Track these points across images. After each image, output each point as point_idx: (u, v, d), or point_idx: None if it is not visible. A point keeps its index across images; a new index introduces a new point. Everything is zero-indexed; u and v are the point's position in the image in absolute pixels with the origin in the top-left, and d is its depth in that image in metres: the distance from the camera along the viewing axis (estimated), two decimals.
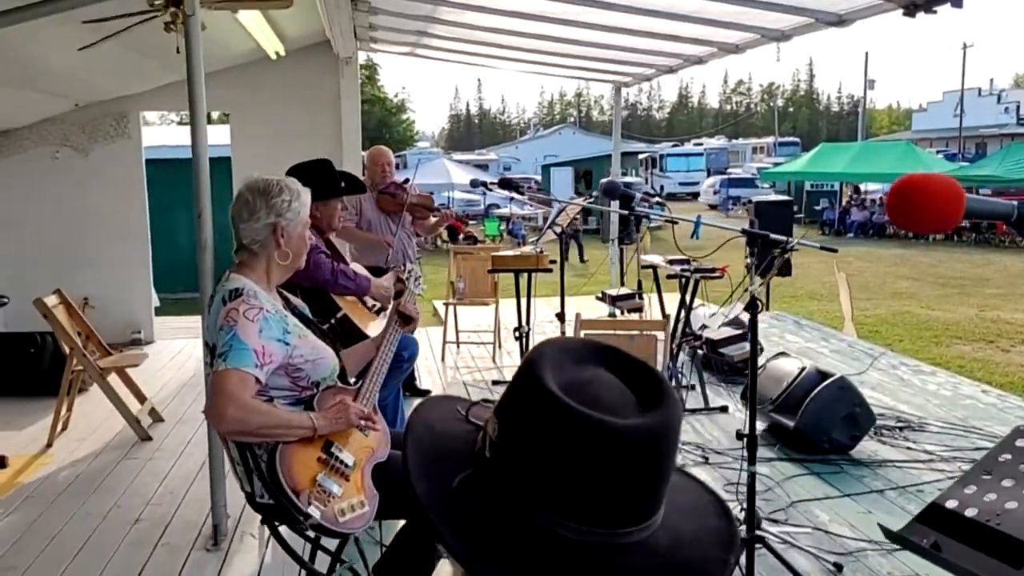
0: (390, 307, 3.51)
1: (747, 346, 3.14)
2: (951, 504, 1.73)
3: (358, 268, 3.98)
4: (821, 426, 4.62)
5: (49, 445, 5.00)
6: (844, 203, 27.33)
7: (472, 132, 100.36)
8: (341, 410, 2.33)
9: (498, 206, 27.70)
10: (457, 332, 7.58)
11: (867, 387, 5.96)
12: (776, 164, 34.87)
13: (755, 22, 5.18)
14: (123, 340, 7.59)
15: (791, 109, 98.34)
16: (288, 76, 7.74)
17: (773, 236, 3.08)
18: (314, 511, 2.17)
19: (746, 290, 2.75)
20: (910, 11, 3.93)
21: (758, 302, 2.94)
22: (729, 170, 42.51)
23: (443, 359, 7.08)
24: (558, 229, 5.42)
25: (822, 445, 4.62)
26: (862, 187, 26.92)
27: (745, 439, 3.12)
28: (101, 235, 7.69)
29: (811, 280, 16.09)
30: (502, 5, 5.48)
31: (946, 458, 4.57)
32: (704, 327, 3.83)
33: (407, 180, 6.34)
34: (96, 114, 7.67)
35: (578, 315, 4.16)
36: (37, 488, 4.43)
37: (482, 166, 41.86)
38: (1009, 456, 1.75)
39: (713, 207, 33.86)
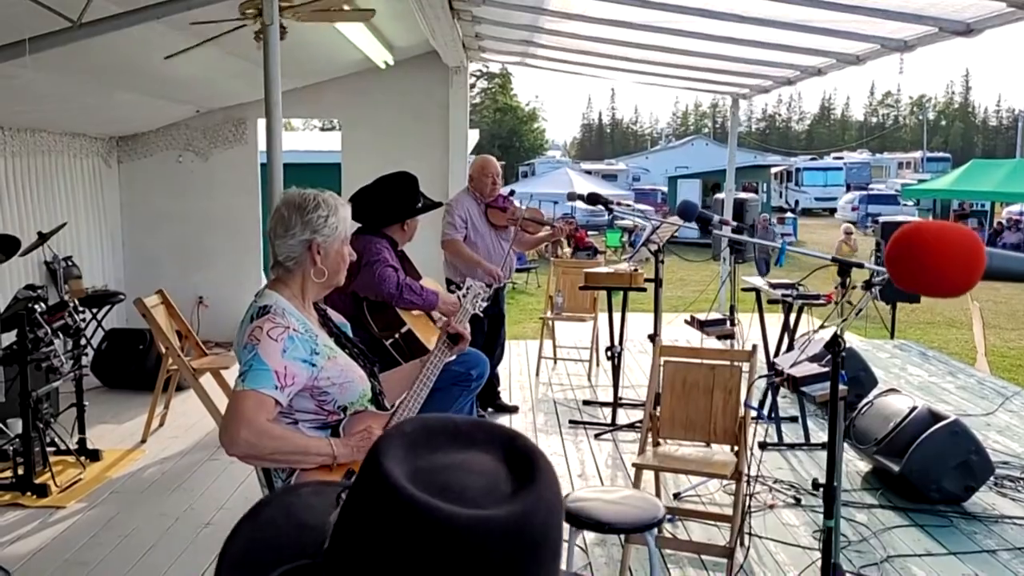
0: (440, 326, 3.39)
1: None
2: None
3: (430, 283, 3.90)
4: (929, 473, 4.21)
5: (143, 441, 5.17)
6: (995, 224, 25.51)
7: (603, 142, 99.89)
8: (365, 437, 2.23)
9: (622, 217, 27.32)
10: (555, 347, 7.44)
11: (993, 430, 5.46)
12: (922, 181, 32.99)
13: (874, 31, 4.81)
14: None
15: (943, 123, 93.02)
16: (398, 85, 7.81)
17: (863, 264, 2.78)
18: None
19: (823, 325, 2.47)
20: None
21: (840, 340, 2.66)
22: (871, 186, 40.54)
23: (537, 374, 6.94)
24: (654, 247, 5.18)
25: (931, 495, 4.21)
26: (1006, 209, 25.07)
27: (822, 489, 2.82)
28: (218, 237, 7.97)
29: (951, 305, 15.02)
30: (601, 14, 5.31)
31: None
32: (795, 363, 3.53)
33: (512, 192, 6.24)
34: (217, 120, 7.97)
35: (656, 340, 3.93)
36: (124, 483, 4.58)
37: (610, 176, 41.57)
38: None
39: (851, 224, 32.35)
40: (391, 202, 4.05)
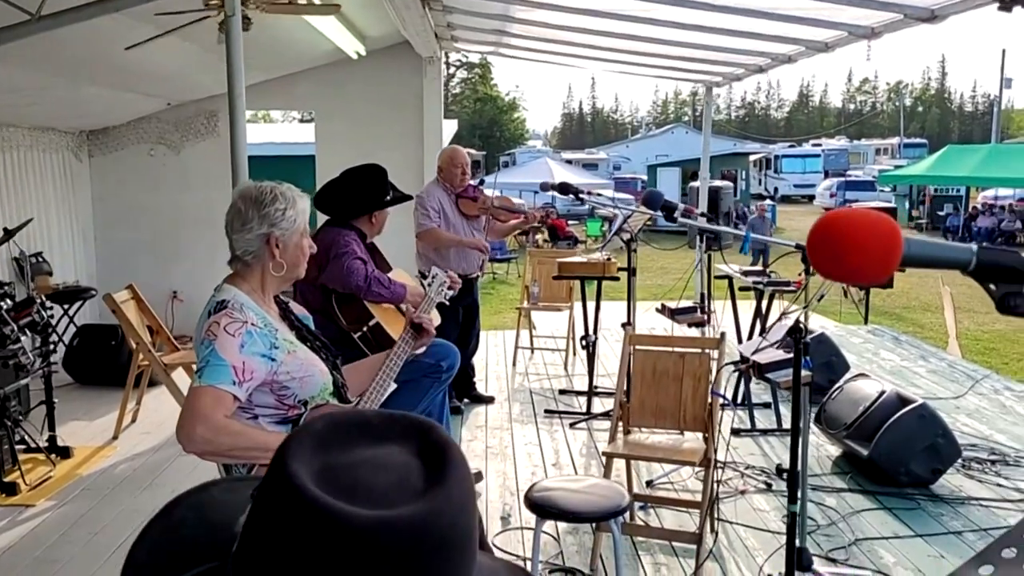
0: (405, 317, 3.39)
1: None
2: None
3: (399, 276, 3.89)
4: (898, 457, 4.25)
5: (115, 437, 5.14)
6: (970, 209, 25.76)
7: (584, 131, 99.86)
8: None
9: (601, 206, 27.35)
10: (531, 337, 7.46)
11: (963, 413, 5.52)
12: (899, 167, 33.21)
13: (841, 19, 4.83)
14: None
15: (920, 109, 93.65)
16: (371, 76, 7.78)
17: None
18: None
19: (784, 314, 2.49)
20: (1006, 5, 3.56)
21: (802, 327, 2.68)
22: (849, 172, 40.79)
23: (514, 364, 6.95)
24: (626, 236, 5.19)
25: (899, 478, 4.25)
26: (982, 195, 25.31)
27: (786, 475, 2.85)
28: (192, 230, 7.91)
29: (927, 290, 15.17)
30: (570, 2, 5.30)
31: None
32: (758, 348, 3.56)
33: (482, 182, 6.24)
34: (189, 113, 7.90)
35: (627, 329, 3.95)
36: (95, 480, 4.55)
37: (591, 165, 41.56)
38: None
39: (828, 210, 32.53)
40: (359, 194, 4.03)
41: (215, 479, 0.91)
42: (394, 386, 2.67)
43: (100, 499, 4.28)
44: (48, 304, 4.91)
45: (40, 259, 6.65)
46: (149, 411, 5.55)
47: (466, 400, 5.75)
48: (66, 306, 6.28)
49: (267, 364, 2.20)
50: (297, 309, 2.54)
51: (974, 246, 0.89)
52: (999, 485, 4.33)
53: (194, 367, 2.18)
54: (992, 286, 0.89)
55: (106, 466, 4.75)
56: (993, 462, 4.61)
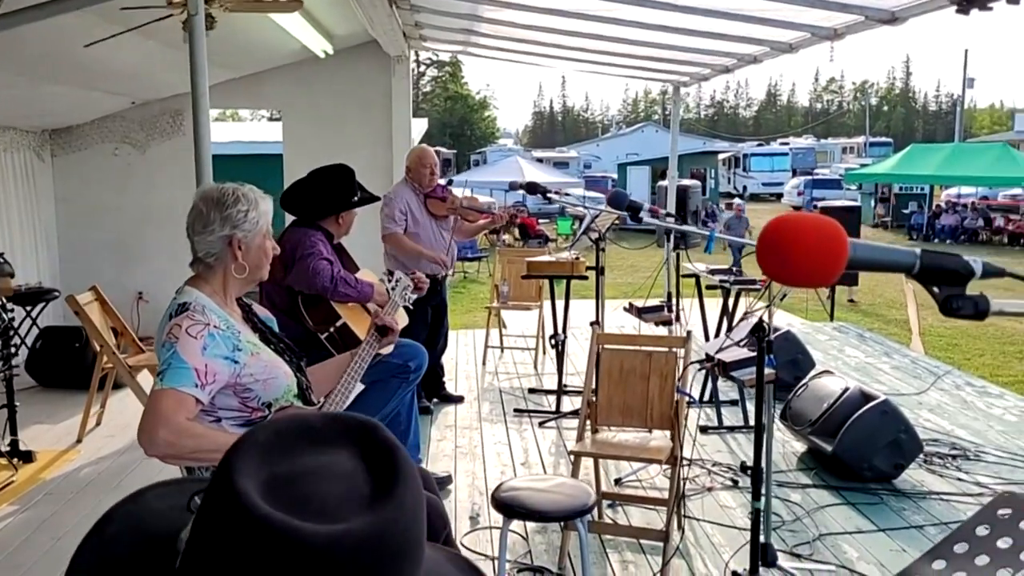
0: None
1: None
2: None
3: (366, 276, 3.88)
4: (861, 452, 4.32)
5: (79, 441, 5.08)
6: (934, 207, 26.16)
7: (555, 129, 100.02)
8: None
9: (573, 205, 27.40)
10: (501, 336, 7.47)
11: (925, 408, 5.61)
12: (864, 165, 33.63)
13: (804, 20, 4.89)
14: None
15: (885, 108, 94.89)
16: (339, 75, 7.74)
17: None
18: None
19: (748, 313, 2.52)
20: (963, 7, 3.62)
21: (765, 325, 2.71)
22: (816, 171, 41.23)
23: (484, 364, 6.95)
24: (594, 235, 5.22)
25: (863, 473, 4.32)
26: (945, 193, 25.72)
27: (750, 472, 2.89)
28: (158, 231, 7.80)
29: (892, 287, 15.36)
30: (537, 2, 5.31)
31: (998, 492, 4.20)
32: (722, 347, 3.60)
33: (450, 182, 6.23)
34: (154, 112, 7.81)
35: (595, 328, 3.97)
36: (58, 484, 4.49)
37: (562, 164, 41.59)
38: (987, 529, 1.51)
39: (796, 208, 32.87)
40: (326, 194, 4.01)
41: (149, 484, 0.89)
42: (361, 387, 2.66)
43: (64, 503, 4.22)
44: (10, 306, 4.84)
45: (2, 260, 6.53)
46: (114, 414, 5.48)
47: (435, 400, 5.75)
48: (28, 308, 6.17)
49: (230, 366, 2.18)
50: (260, 311, 2.53)
51: (918, 250, 0.91)
52: (959, 479, 4.41)
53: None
54: (935, 288, 0.91)
55: (70, 470, 4.69)
56: (954, 457, 4.70)
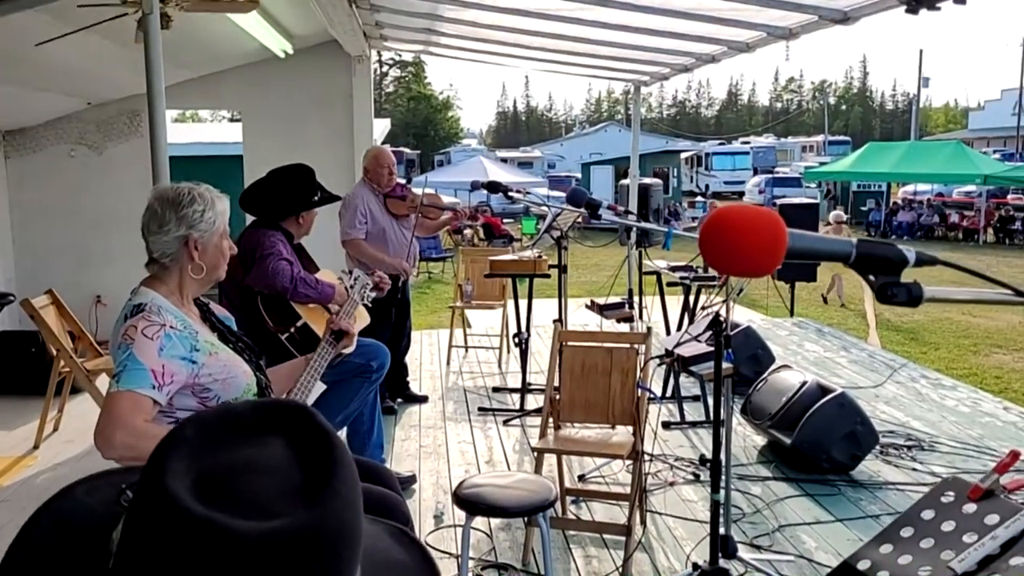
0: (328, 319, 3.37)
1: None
2: (862, 566, 1.54)
3: (327, 276, 3.87)
4: (820, 444, 4.39)
5: (36, 447, 4.99)
6: (891, 204, 26.64)
7: (519, 129, 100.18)
8: None
9: (537, 204, 27.44)
10: (465, 336, 7.47)
11: (881, 401, 5.72)
12: (823, 163, 34.11)
13: (760, 19, 4.96)
14: None
15: (843, 107, 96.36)
16: (299, 75, 7.69)
17: None
18: None
19: (705, 308, 2.56)
20: (912, 7, 3.70)
21: (722, 320, 2.75)
22: (776, 169, 41.74)
23: (448, 363, 6.95)
24: (556, 234, 5.25)
25: (821, 464, 4.40)
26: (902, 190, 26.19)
27: (708, 465, 2.93)
28: (116, 233, 7.68)
29: (851, 283, 15.58)
30: (501, 3, 5.33)
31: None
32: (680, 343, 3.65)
33: (409, 180, 6.23)
34: (111, 112, 7.71)
35: (556, 325, 4.00)
36: (14, 492, 4.41)
37: (526, 163, 41.68)
38: (932, 513, 1.55)
39: (758, 207, 33.22)
40: (286, 194, 3.99)
41: (77, 480, 0.86)
42: (323, 387, 2.66)
43: (20, 511, 4.14)
44: None
45: None
46: (72, 419, 5.40)
47: (399, 400, 5.74)
48: None
49: (188, 367, 2.17)
50: (218, 310, 2.51)
51: (854, 239, 0.93)
52: (914, 469, 4.50)
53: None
54: (871, 277, 0.94)
55: (27, 476, 4.61)
56: (909, 447, 4.80)
